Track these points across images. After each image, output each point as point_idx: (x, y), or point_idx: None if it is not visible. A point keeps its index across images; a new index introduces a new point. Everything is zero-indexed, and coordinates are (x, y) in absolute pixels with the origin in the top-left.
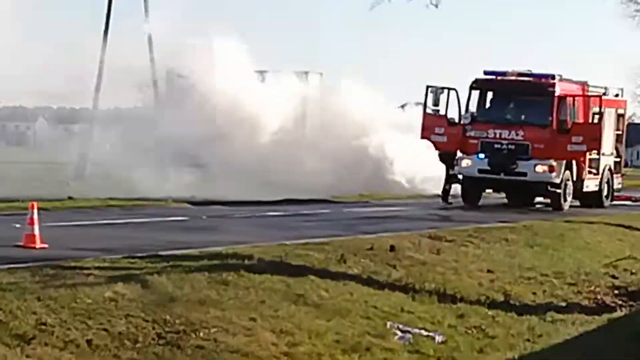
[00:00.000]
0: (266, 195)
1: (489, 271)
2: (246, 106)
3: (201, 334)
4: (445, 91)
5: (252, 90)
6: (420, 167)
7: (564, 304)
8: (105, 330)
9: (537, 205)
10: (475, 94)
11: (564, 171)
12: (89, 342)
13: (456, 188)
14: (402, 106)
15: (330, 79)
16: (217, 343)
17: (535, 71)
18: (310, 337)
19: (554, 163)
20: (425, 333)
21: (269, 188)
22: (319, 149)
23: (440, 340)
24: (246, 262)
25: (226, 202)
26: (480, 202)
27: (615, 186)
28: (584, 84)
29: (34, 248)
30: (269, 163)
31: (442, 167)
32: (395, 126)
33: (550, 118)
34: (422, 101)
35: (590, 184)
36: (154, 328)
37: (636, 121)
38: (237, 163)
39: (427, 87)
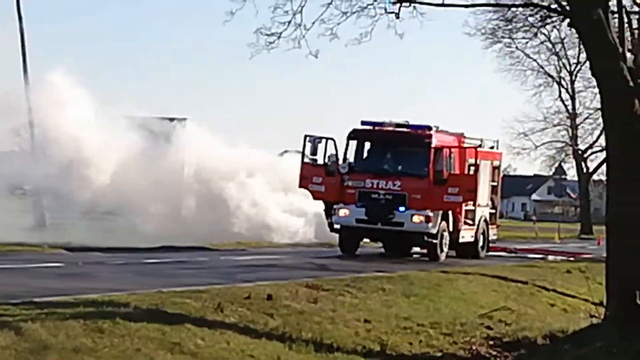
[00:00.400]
0: (142, 243)
1: (365, 321)
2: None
3: None
4: (324, 141)
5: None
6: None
7: (439, 355)
8: None
9: (414, 255)
10: (353, 143)
11: (441, 222)
12: None
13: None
14: (282, 153)
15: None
16: None
17: (412, 122)
18: None
19: (431, 213)
20: None
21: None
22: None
23: None
24: (122, 309)
25: (103, 249)
26: (358, 252)
27: (491, 237)
28: (460, 136)
29: None
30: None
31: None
32: (270, 173)
33: (426, 169)
34: (301, 150)
35: (467, 235)
36: None
37: (511, 173)
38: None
39: (305, 136)
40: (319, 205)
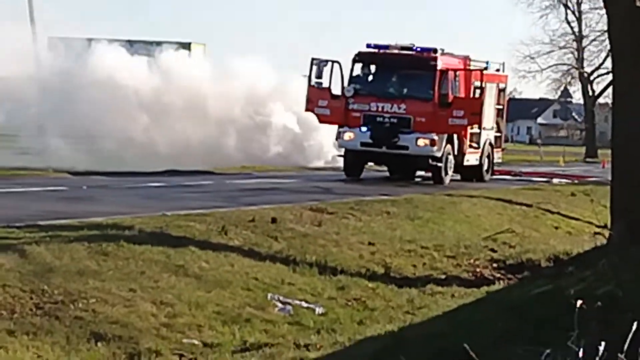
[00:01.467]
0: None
1: (369, 243)
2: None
3: (80, 305)
4: (329, 64)
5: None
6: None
7: (443, 277)
8: None
9: (418, 179)
10: (358, 67)
11: (445, 145)
12: None
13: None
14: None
15: (214, 50)
16: (95, 314)
17: (417, 45)
18: (191, 309)
19: (436, 137)
20: (305, 305)
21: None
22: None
23: (320, 312)
24: (126, 232)
25: (107, 173)
26: (362, 175)
27: (496, 160)
28: (465, 58)
29: None
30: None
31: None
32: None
33: (431, 92)
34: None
35: (471, 158)
36: (31, 298)
37: (517, 96)
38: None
39: (312, 59)
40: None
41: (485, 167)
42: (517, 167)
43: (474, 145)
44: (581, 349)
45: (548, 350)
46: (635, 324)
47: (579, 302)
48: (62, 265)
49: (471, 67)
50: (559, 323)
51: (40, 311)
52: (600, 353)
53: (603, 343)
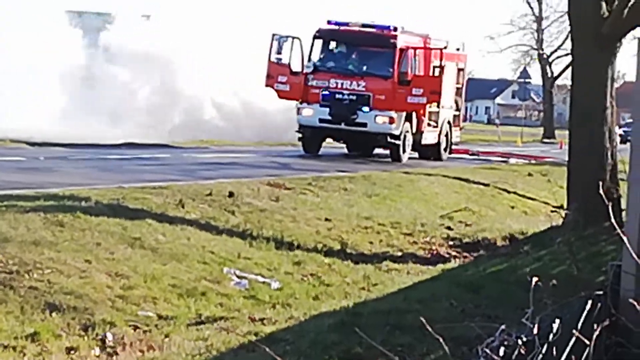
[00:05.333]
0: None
1: (326, 219)
2: None
3: (35, 275)
4: (290, 40)
5: None
6: None
7: (399, 254)
8: None
9: (377, 156)
10: (318, 43)
11: (404, 123)
12: None
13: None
14: None
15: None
16: (50, 284)
17: (378, 23)
18: (146, 281)
19: (394, 114)
20: (261, 279)
21: None
22: None
23: (276, 287)
24: (83, 204)
25: (65, 144)
26: (321, 152)
27: (454, 139)
28: (425, 37)
29: None
30: None
31: None
32: None
33: (391, 69)
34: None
35: (429, 137)
36: None
37: (476, 76)
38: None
39: (272, 35)
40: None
41: (443, 146)
42: (475, 147)
43: (433, 123)
44: (536, 326)
45: (503, 326)
46: (589, 302)
47: (534, 279)
48: (17, 235)
49: (431, 46)
50: (514, 301)
51: None
52: (554, 330)
53: (558, 320)
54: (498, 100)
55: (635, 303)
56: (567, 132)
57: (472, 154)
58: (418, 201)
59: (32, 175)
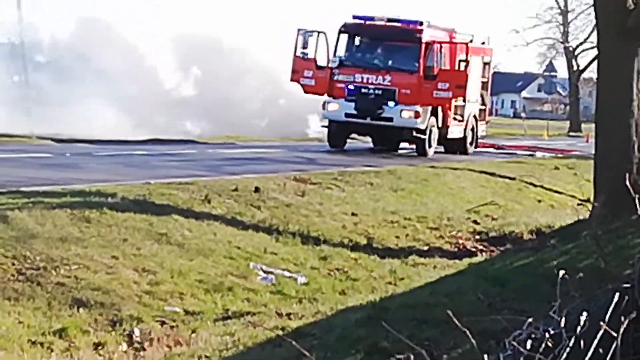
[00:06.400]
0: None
1: (352, 214)
2: None
3: (62, 271)
4: (315, 34)
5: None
6: None
7: (426, 248)
8: None
9: (402, 151)
10: (344, 38)
11: (430, 117)
12: None
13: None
14: None
15: None
16: (78, 280)
17: (403, 17)
18: (173, 276)
19: (420, 109)
20: (288, 274)
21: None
22: None
23: (302, 282)
24: (109, 200)
25: (91, 141)
26: (346, 146)
27: (480, 133)
28: (451, 31)
29: None
30: None
31: None
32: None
33: (417, 64)
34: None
35: (455, 131)
36: (13, 264)
37: (502, 70)
38: None
39: (298, 30)
40: None
41: (469, 140)
42: (500, 141)
43: (458, 117)
44: (563, 319)
45: (530, 320)
46: (617, 295)
47: (561, 272)
48: (44, 231)
49: (456, 40)
50: (541, 294)
51: (22, 277)
52: (581, 323)
53: (585, 313)
54: (524, 93)
55: None
56: (593, 126)
57: (498, 148)
58: (444, 195)
59: (58, 172)
